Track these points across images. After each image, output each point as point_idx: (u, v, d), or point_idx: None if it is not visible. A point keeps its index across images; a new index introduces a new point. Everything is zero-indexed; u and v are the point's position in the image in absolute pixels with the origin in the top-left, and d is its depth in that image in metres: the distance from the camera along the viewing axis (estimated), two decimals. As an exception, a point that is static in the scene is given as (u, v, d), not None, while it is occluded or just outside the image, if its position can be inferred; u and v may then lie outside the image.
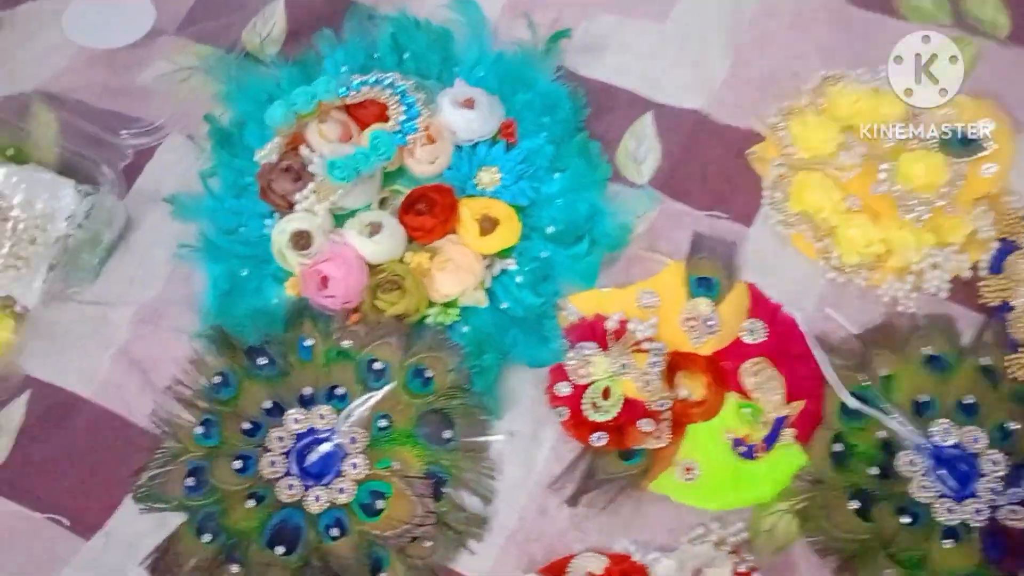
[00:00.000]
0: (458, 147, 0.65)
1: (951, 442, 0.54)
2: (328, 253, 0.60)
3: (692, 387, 0.58)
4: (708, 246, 0.63)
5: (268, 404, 0.57)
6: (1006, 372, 0.57)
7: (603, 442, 0.55)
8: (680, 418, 0.56)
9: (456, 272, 0.59)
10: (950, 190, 0.62)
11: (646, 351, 0.58)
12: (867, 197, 0.63)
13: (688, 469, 0.55)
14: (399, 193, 0.64)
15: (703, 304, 0.60)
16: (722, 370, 0.58)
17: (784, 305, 0.60)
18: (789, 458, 0.55)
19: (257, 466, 0.55)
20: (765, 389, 0.57)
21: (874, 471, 0.54)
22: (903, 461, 0.54)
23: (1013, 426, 0.55)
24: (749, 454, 0.55)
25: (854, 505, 0.53)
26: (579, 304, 0.61)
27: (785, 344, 0.59)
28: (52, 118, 0.67)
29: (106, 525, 0.56)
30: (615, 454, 0.55)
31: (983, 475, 0.53)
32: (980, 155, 0.63)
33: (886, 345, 0.58)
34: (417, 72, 0.69)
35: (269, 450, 0.56)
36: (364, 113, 0.66)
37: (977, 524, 0.52)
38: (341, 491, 0.54)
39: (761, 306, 0.61)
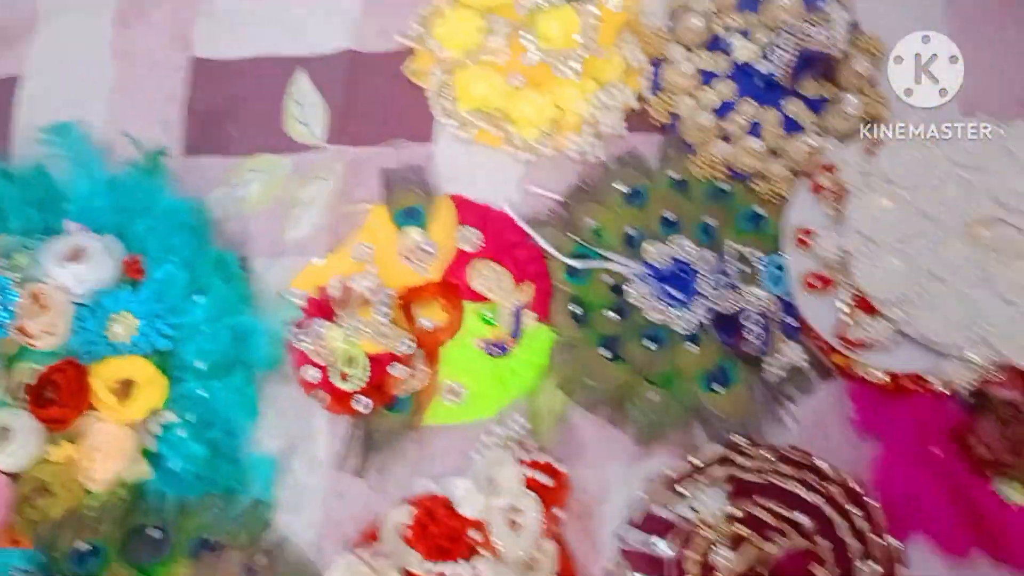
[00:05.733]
0: (80, 304, 0.57)
1: (665, 259, 0.58)
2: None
3: (431, 314, 0.59)
4: (399, 177, 0.63)
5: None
6: (693, 177, 0.61)
7: (369, 406, 0.55)
8: (430, 347, 0.57)
9: (105, 458, 0.53)
10: (590, 35, 0.64)
11: (372, 303, 0.58)
12: (525, 71, 0.64)
13: (453, 391, 0.57)
14: (33, 372, 0.55)
15: (414, 233, 0.60)
16: (454, 286, 0.59)
17: (492, 202, 0.62)
18: (540, 339, 0.58)
19: None
20: (495, 286, 0.59)
21: (611, 315, 0.57)
22: (631, 294, 0.58)
23: (710, 221, 0.60)
24: (502, 351, 0.57)
25: (605, 353, 0.56)
26: (303, 285, 0.60)
27: (503, 238, 0.60)
28: None
29: None
30: (382, 410, 0.56)
31: (700, 274, 0.58)
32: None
33: (587, 199, 0.61)
34: (25, 231, 0.59)
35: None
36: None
37: (708, 320, 0.57)
38: None
39: (469, 212, 0.62)
